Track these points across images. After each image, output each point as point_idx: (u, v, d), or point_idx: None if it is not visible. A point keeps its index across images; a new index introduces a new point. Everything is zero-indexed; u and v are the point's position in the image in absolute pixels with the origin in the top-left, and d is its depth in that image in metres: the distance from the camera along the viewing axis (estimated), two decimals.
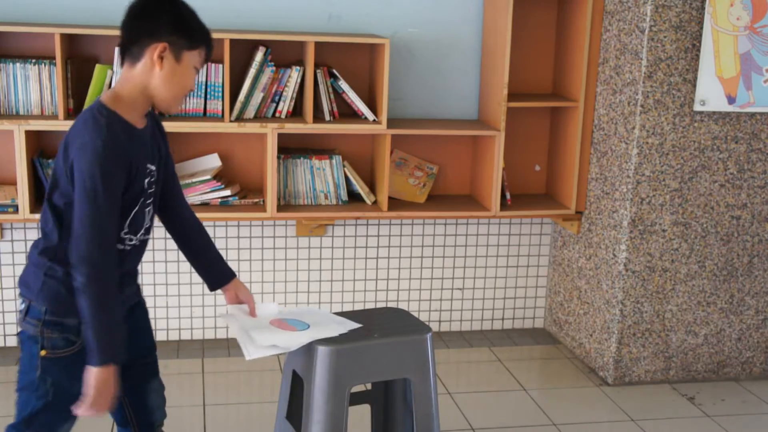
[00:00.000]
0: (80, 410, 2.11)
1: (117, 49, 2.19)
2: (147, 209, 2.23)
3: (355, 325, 2.51)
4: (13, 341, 4.02)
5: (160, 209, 2.39)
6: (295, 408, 2.58)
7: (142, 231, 2.25)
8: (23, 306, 2.20)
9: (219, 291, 2.53)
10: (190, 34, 2.11)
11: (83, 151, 2.01)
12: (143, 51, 2.08)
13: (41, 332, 2.16)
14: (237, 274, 2.55)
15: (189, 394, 3.65)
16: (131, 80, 2.11)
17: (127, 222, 2.18)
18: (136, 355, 2.37)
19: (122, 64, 2.13)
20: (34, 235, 3.91)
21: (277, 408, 2.68)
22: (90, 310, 2.04)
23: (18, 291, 2.25)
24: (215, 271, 2.50)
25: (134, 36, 2.09)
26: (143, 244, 2.28)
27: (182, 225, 2.45)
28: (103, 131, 2.03)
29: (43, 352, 2.17)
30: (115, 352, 2.09)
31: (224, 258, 2.53)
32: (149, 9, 2.10)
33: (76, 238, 2.03)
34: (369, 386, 3.00)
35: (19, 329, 2.23)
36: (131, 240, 2.22)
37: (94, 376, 2.06)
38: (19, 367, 2.23)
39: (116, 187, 2.06)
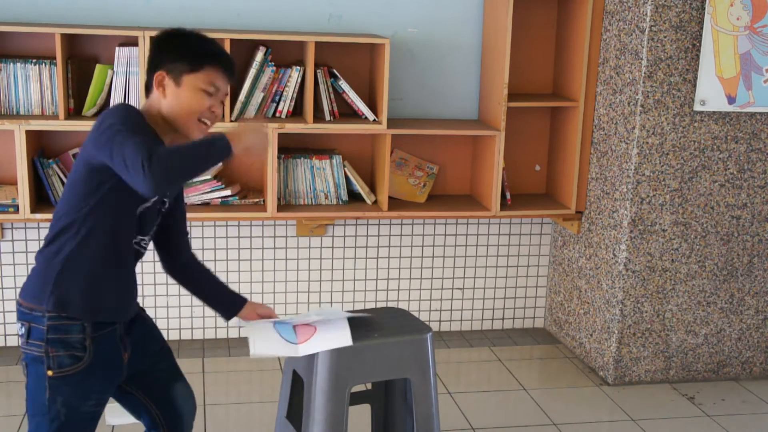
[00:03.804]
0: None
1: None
2: (155, 221, 2.31)
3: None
4: (13, 341, 4.02)
5: (168, 257, 2.46)
6: (296, 408, 2.58)
7: (148, 238, 2.31)
8: (23, 330, 2.17)
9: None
10: (189, 58, 2.19)
11: (112, 110, 2.14)
12: (152, 81, 2.22)
13: (46, 352, 2.14)
14: (249, 296, 2.56)
15: None
16: (150, 109, 2.23)
17: (138, 224, 2.23)
18: (149, 362, 2.39)
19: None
20: (34, 234, 3.91)
21: (278, 408, 2.69)
22: (184, 158, 2.05)
23: (17, 313, 2.21)
24: (228, 302, 2.51)
25: (148, 70, 2.24)
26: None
27: (189, 267, 2.48)
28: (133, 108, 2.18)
29: (49, 372, 2.15)
30: (214, 142, 2.07)
31: (227, 283, 2.56)
32: (156, 45, 2.25)
33: (131, 160, 1.97)
34: (369, 386, 3.01)
35: (23, 354, 2.20)
36: (144, 242, 2.29)
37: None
38: (27, 394, 2.20)
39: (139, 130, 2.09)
